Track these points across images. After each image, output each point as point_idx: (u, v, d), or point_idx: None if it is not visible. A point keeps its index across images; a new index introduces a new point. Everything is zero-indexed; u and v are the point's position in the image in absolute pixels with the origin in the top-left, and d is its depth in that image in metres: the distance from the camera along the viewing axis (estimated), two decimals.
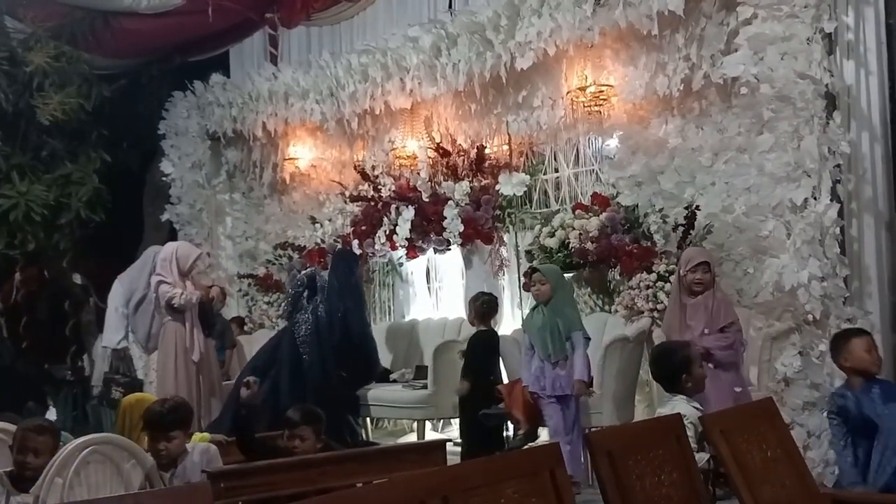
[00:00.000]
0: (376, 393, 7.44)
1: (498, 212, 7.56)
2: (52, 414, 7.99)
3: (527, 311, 7.24)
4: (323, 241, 8.62)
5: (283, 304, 7.54)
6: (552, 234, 6.86)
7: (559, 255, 6.80)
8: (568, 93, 6.96)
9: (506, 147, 7.82)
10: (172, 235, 9.38)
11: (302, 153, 9.15)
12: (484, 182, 7.67)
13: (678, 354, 4.06)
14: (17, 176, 8.65)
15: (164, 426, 4.03)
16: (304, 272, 7.62)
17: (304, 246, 8.85)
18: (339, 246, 8.24)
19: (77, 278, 9.65)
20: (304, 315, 7.25)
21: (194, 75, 9.72)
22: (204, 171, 9.62)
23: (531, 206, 7.66)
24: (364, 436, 7.42)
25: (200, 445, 4.25)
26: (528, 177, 7.51)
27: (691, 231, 6.33)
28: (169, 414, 4.09)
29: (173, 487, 3.56)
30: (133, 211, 10.15)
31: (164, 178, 9.61)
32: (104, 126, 9.38)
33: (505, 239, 7.72)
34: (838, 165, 5.70)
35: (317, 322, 7.15)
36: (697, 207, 6.34)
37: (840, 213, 5.65)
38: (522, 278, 7.19)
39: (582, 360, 5.66)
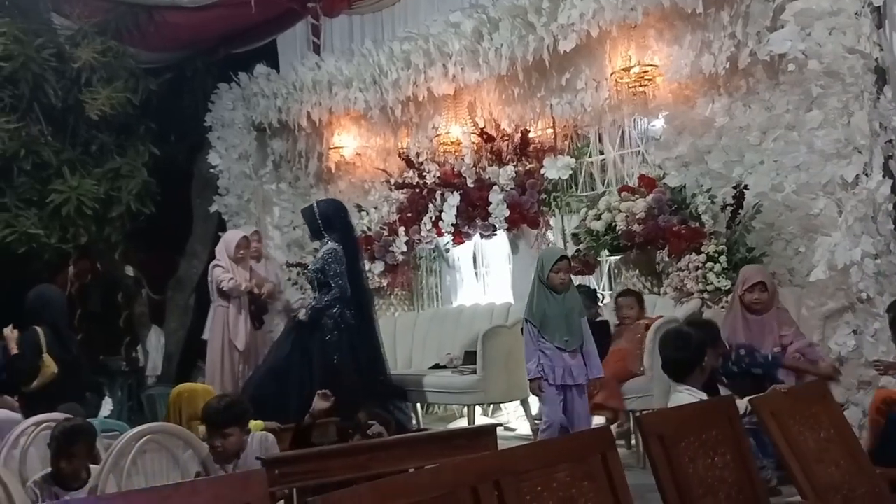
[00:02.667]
0: (426, 379, 7.47)
1: (543, 196, 7.54)
2: (108, 404, 8.13)
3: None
4: (369, 229, 8.66)
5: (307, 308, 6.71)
6: (598, 217, 6.83)
7: (606, 237, 6.78)
8: (612, 74, 6.90)
9: (550, 130, 7.79)
10: (221, 226, 9.47)
11: (346, 142, 9.18)
12: (529, 166, 7.64)
13: (696, 339, 3.93)
14: (68, 171, 8.77)
15: (219, 423, 4.08)
16: (329, 257, 6.65)
17: None
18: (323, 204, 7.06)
19: (129, 270, 9.79)
20: (329, 320, 6.60)
21: (239, 67, 9.77)
22: (251, 162, 9.69)
23: (577, 189, 7.62)
24: (415, 422, 7.45)
25: (258, 435, 4.30)
26: (573, 160, 7.48)
27: (740, 211, 6.28)
28: (224, 411, 4.13)
29: (229, 475, 3.61)
30: (182, 203, 10.25)
31: (211, 170, 9.69)
32: (151, 119, 9.48)
33: (551, 223, 7.70)
34: (890, 141, 5.59)
35: (349, 329, 6.63)
36: (746, 187, 6.28)
37: (893, 189, 5.55)
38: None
39: (597, 355, 5.63)
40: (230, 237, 7.44)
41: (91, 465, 4.04)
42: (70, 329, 6.71)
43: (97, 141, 9.13)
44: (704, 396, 3.72)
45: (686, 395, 3.70)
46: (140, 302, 9.90)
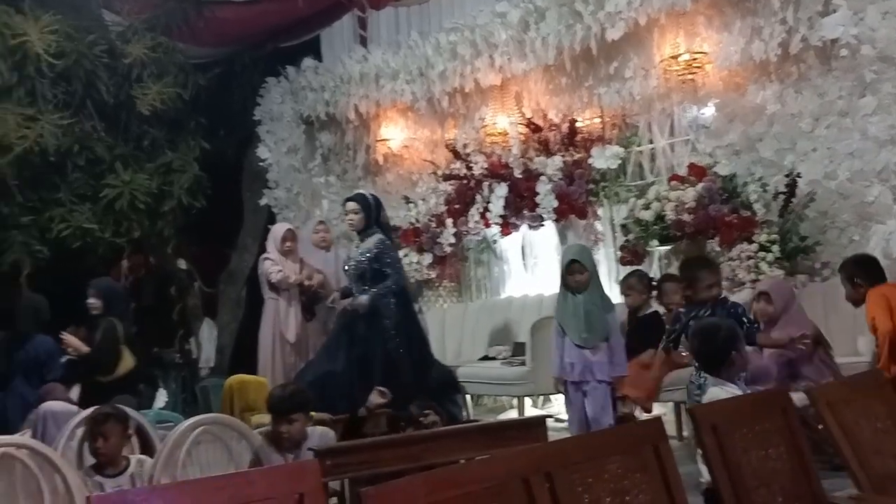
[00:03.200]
0: (475, 370, 7.48)
1: (592, 186, 7.50)
2: (162, 396, 8.24)
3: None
4: (417, 221, 8.68)
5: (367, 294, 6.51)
6: (648, 207, 6.79)
7: (655, 227, 6.73)
8: (661, 62, 6.85)
9: (598, 120, 7.74)
10: (271, 219, 9.54)
11: (394, 134, 9.20)
12: (577, 156, 7.61)
13: (723, 331, 3.86)
14: (121, 165, 8.88)
15: (284, 411, 4.14)
16: (382, 246, 6.61)
17: (399, 226, 8.92)
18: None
19: (181, 264, 9.90)
20: (388, 310, 6.54)
21: (286, 61, 9.83)
22: (299, 156, 9.75)
23: (625, 179, 7.57)
24: (465, 413, 7.46)
25: (319, 429, 4.35)
26: (621, 149, 7.43)
27: (793, 199, 6.20)
28: (289, 399, 4.21)
29: (283, 465, 3.65)
30: (232, 196, 10.35)
31: (260, 164, 9.77)
32: (201, 114, 9.56)
33: (599, 213, 7.66)
34: None
35: (403, 320, 6.59)
36: (798, 175, 6.21)
37: None
38: (618, 252, 7.15)
39: (623, 352, 5.58)
40: (276, 230, 7.51)
41: (142, 456, 4.13)
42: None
43: (149, 136, 9.24)
44: (737, 391, 3.65)
45: (717, 390, 3.64)
46: (193, 295, 10.00)
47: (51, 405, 4.93)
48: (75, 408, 5.06)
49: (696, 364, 3.93)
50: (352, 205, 6.72)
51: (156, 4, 9.26)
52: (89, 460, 4.11)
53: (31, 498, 3.60)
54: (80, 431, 4.33)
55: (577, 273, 5.55)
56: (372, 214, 6.72)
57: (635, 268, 6.81)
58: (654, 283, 6.40)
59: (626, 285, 6.30)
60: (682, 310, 5.38)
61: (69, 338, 6.20)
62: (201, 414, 4.63)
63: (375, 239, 6.61)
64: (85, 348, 6.17)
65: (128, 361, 6.13)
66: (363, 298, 6.46)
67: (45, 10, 8.39)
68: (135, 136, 9.21)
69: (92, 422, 4.07)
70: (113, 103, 8.97)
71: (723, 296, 5.25)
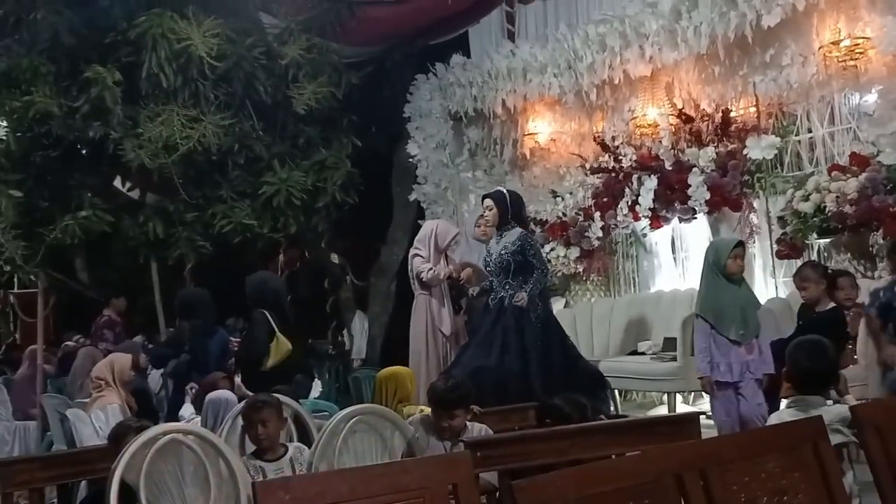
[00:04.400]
0: (624, 365, 7.40)
1: (746, 177, 7.29)
2: (317, 386, 8.50)
3: (777, 280, 6.99)
4: (564, 215, 8.64)
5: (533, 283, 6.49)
6: (806, 198, 6.57)
7: (814, 219, 6.51)
8: (820, 48, 6.60)
9: (753, 109, 7.51)
10: (420, 214, 9.69)
11: (541, 128, 9.18)
12: (730, 147, 7.41)
13: (832, 349, 3.66)
14: (278, 163, 9.20)
15: (446, 404, 4.20)
16: (528, 239, 6.73)
17: (546, 220, 8.91)
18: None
19: (334, 258, 10.18)
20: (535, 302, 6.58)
21: (435, 58, 9.95)
22: (447, 151, 9.86)
23: (782, 170, 7.32)
24: (612, 408, 7.38)
25: (478, 426, 4.39)
26: (778, 139, 7.20)
27: None
28: (451, 391, 4.26)
29: (437, 456, 3.71)
30: (382, 192, 10.57)
31: (410, 160, 9.94)
32: (353, 112, 9.79)
33: (755, 205, 7.44)
34: None
35: (548, 307, 6.73)
36: None
37: None
38: (775, 245, 6.93)
39: (769, 349, 5.32)
40: (446, 229, 7.58)
41: (299, 444, 4.27)
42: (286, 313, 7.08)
43: (304, 134, 9.53)
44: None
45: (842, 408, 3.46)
46: (345, 288, 10.26)
47: (218, 394, 5.17)
48: (235, 396, 5.29)
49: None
50: (487, 201, 6.84)
51: (310, 6, 9.53)
52: (250, 447, 4.28)
53: (197, 481, 3.78)
54: (240, 419, 4.52)
55: (740, 257, 5.37)
56: (508, 210, 6.73)
57: (808, 260, 6.56)
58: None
59: (800, 277, 5.73)
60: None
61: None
62: (354, 404, 4.74)
63: (517, 232, 6.63)
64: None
65: (284, 348, 6.34)
66: (522, 294, 6.48)
67: (208, 14, 8.75)
68: (291, 134, 9.51)
69: (249, 410, 4.21)
70: (270, 103, 9.28)
71: None
